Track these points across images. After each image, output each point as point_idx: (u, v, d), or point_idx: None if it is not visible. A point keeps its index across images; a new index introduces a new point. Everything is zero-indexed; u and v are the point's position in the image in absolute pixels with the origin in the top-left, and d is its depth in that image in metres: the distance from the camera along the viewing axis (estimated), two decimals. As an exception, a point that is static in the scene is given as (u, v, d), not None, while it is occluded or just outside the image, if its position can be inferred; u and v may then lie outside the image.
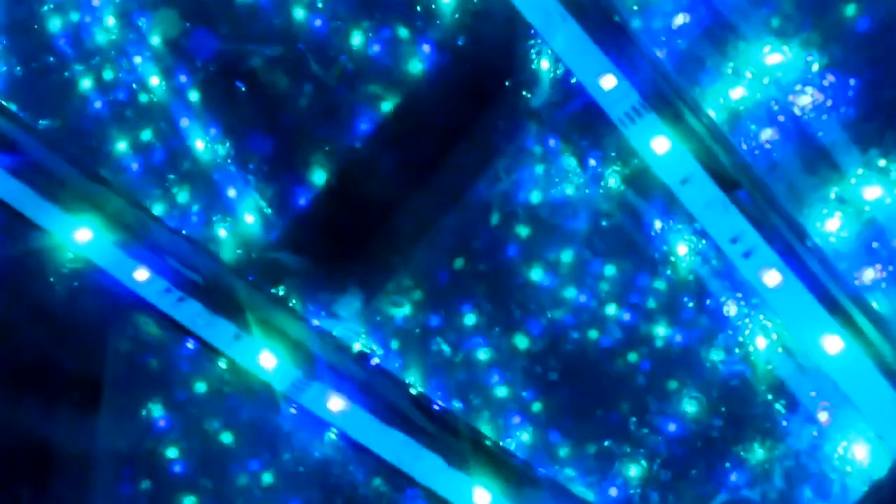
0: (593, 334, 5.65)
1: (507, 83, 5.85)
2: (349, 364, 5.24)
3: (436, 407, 5.18)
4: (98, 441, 5.85)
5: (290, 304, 5.60)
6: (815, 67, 5.59)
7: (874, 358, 4.84)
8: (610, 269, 5.69)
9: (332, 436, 5.23)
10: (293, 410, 5.23)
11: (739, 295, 5.48)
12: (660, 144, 5.07)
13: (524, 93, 5.83)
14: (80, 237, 5.52)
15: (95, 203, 5.60)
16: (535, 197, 5.82)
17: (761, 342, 5.44)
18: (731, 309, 5.52)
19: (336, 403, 5.09)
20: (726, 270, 5.47)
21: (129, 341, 5.87)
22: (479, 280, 5.81)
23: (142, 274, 5.41)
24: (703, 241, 5.49)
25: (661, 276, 5.62)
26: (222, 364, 5.41)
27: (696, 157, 5.03)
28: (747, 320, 5.48)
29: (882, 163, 5.45)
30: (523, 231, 5.81)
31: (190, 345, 5.48)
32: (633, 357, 5.61)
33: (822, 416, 5.35)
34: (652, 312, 5.62)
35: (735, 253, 4.97)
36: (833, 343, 4.87)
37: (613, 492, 5.44)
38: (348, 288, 5.72)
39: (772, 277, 4.92)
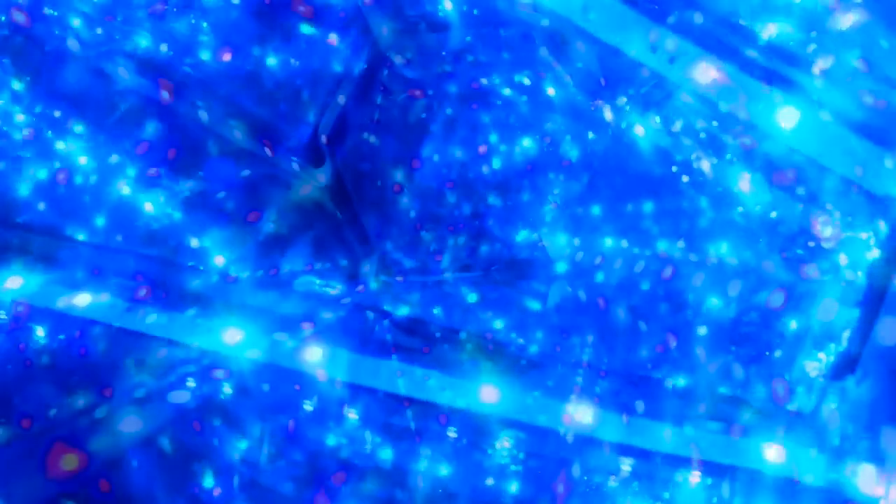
0: (600, 277, 5.45)
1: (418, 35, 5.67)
2: (316, 311, 5.00)
3: (416, 323, 4.94)
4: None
5: (239, 275, 5.37)
6: None
7: (834, 116, 4.59)
8: (596, 209, 5.54)
9: (351, 415, 5.01)
10: (309, 408, 5.03)
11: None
12: (550, -17, 4.86)
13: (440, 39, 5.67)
14: (10, 285, 5.30)
15: (18, 249, 5.41)
16: (494, 155, 5.68)
17: (744, 185, 5.22)
18: (704, 166, 5.31)
19: (314, 353, 4.84)
20: (686, 130, 5.21)
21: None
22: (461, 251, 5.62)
23: (83, 298, 5.20)
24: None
25: (644, 187, 5.45)
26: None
27: (588, -18, 4.81)
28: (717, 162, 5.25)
29: None
30: (492, 195, 5.65)
31: (191, 382, 5.27)
32: (645, 285, 5.44)
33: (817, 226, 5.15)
34: (648, 232, 5.47)
35: (661, 63, 4.73)
36: (789, 115, 4.62)
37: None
38: (291, 243, 5.50)
39: (704, 73, 4.67)
